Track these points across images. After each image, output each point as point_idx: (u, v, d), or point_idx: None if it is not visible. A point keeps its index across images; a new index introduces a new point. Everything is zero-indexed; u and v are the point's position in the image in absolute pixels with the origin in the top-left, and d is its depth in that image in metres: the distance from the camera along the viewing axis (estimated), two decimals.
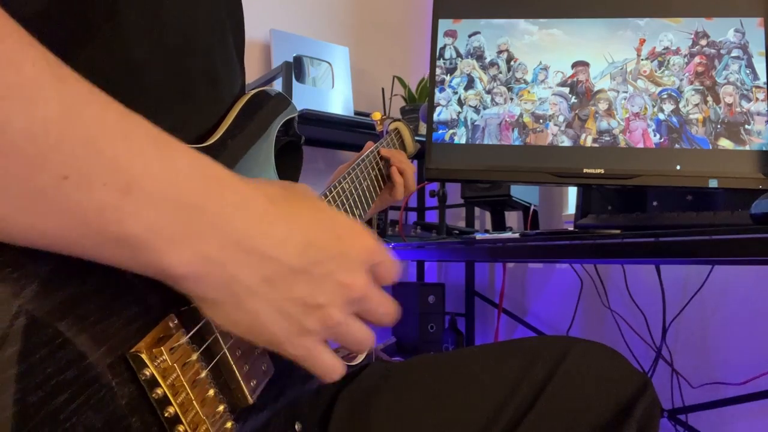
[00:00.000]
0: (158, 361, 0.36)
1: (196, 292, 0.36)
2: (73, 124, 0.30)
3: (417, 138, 1.04)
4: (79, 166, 0.30)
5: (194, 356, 0.39)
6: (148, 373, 0.35)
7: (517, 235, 1.19)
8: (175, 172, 0.34)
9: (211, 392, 0.40)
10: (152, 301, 0.37)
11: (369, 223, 1.64)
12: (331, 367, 0.41)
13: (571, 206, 1.99)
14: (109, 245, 0.32)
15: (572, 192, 1.91)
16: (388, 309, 0.43)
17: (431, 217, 2.34)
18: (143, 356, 0.35)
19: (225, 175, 0.37)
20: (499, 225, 1.83)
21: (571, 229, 1.24)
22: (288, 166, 0.62)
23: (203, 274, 0.35)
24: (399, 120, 1.00)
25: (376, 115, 1.10)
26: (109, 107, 0.33)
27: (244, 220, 0.37)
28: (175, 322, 0.38)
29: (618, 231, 1.04)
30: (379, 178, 0.85)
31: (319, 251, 0.39)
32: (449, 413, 0.58)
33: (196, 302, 0.37)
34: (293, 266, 0.38)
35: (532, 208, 1.73)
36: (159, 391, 0.36)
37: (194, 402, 0.38)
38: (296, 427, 0.49)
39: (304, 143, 0.64)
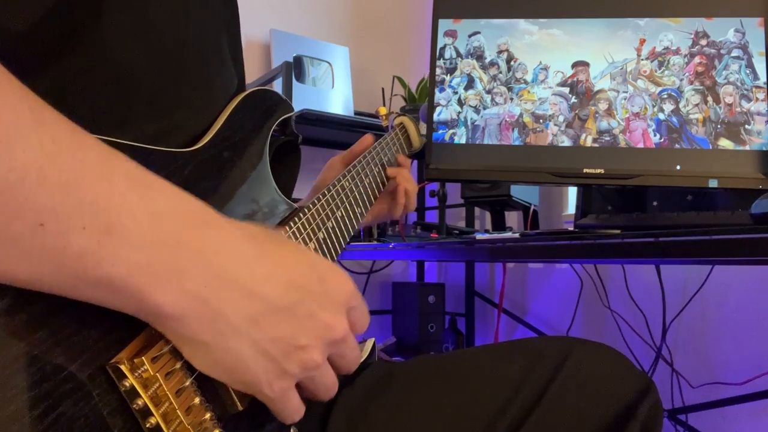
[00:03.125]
0: (139, 371, 0.36)
1: (179, 332, 0.35)
2: (51, 170, 0.30)
3: None
4: (57, 212, 0.30)
5: (178, 365, 0.38)
6: (128, 384, 0.35)
7: (517, 235, 1.19)
8: (157, 212, 0.34)
9: (197, 400, 0.39)
10: None
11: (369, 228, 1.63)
12: (297, 410, 0.41)
13: (571, 206, 1.99)
14: (89, 287, 0.32)
15: (572, 192, 1.91)
16: (357, 356, 0.44)
17: (431, 217, 2.34)
18: (122, 367, 0.35)
19: (208, 213, 0.37)
20: (499, 225, 1.83)
21: (571, 229, 1.24)
22: (286, 167, 0.62)
23: (189, 313, 0.35)
24: (404, 115, 0.99)
25: (382, 110, 1.10)
26: (90, 149, 0.33)
27: (228, 257, 0.36)
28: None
29: (618, 231, 1.04)
30: (378, 180, 0.82)
31: (302, 290, 0.39)
32: (450, 415, 0.57)
33: (176, 343, 0.37)
34: (278, 305, 0.38)
35: (532, 208, 1.73)
36: (140, 401, 0.35)
37: (178, 411, 0.37)
38: (291, 430, 0.49)
39: (304, 143, 0.64)
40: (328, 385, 0.42)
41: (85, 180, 0.31)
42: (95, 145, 0.33)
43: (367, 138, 0.87)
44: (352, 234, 0.67)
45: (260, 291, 0.37)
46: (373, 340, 0.63)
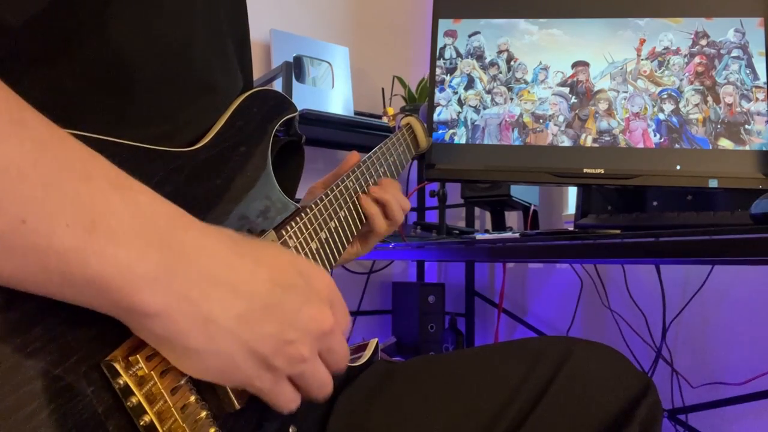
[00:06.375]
0: (134, 369, 0.36)
1: (165, 335, 0.35)
2: (32, 168, 0.30)
3: None
4: (38, 209, 0.30)
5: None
6: (122, 382, 0.35)
7: (517, 235, 1.19)
8: (139, 212, 0.34)
9: (192, 399, 0.39)
10: None
11: None
12: (291, 401, 0.41)
13: (571, 206, 1.99)
14: (73, 286, 0.32)
15: (572, 192, 1.91)
16: (346, 350, 0.44)
17: (431, 217, 2.34)
18: (117, 365, 0.35)
19: (187, 216, 0.37)
20: (499, 225, 1.83)
21: (571, 229, 1.24)
22: (289, 166, 0.62)
23: (178, 315, 0.34)
24: (411, 115, 0.98)
25: (390, 111, 1.10)
26: (71, 150, 0.33)
27: (212, 256, 0.36)
28: None
29: (618, 231, 1.04)
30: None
31: (286, 286, 0.39)
32: (451, 414, 0.58)
33: (161, 349, 0.36)
34: (265, 301, 0.38)
35: (532, 208, 1.73)
36: (134, 399, 0.36)
37: (173, 409, 0.37)
38: (290, 430, 0.49)
39: (304, 143, 0.64)
40: (320, 381, 0.42)
41: (66, 179, 0.31)
42: (76, 147, 0.33)
43: (354, 156, 0.77)
44: (356, 235, 0.66)
45: (245, 289, 0.37)
46: (376, 340, 0.63)
